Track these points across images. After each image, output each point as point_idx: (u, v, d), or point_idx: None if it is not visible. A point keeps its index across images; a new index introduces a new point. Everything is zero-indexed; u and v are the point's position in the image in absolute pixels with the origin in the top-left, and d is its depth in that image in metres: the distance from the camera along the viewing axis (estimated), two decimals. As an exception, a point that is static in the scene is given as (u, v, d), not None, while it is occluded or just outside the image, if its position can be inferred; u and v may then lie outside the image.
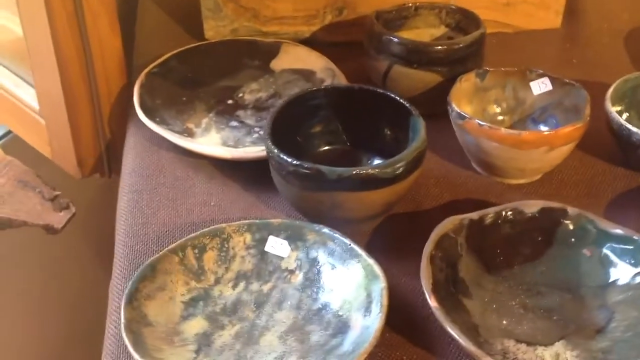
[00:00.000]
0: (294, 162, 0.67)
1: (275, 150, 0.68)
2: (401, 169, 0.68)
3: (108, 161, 1.00)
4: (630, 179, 0.82)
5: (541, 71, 0.85)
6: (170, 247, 0.66)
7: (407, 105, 0.75)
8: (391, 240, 0.74)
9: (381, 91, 0.77)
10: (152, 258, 0.65)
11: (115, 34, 0.90)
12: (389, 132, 0.78)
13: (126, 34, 0.99)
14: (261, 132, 0.87)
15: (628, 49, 1.08)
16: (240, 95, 0.93)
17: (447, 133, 0.82)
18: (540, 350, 0.61)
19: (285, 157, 0.68)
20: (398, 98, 0.76)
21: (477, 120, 0.76)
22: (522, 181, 0.81)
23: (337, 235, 0.66)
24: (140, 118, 0.84)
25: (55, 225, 1.05)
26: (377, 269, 0.63)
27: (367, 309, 0.61)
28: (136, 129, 0.89)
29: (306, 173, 0.67)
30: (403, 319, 0.65)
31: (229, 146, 0.84)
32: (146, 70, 0.91)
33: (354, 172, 0.66)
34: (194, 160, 0.84)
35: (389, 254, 0.72)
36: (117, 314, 0.66)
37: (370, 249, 0.72)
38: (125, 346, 0.63)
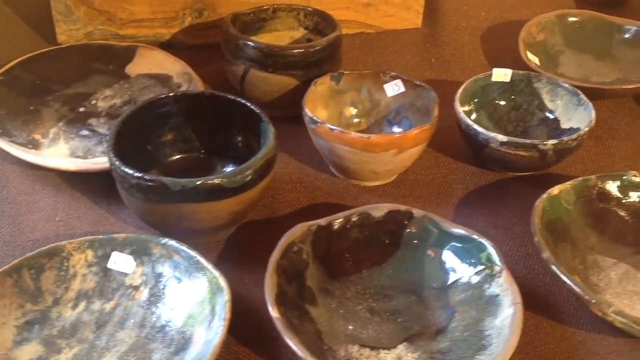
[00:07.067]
0: (136, 174, 0.65)
1: (117, 162, 0.66)
2: (249, 177, 0.67)
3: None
4: (480, 176, 0.85)
5: (394, 73, 0.86)
6: (3, 268, 0.62)
7: (257, 111, 0.74)
8: (245, 249, 0.74)
9: (232, 97, 0.76)
10: (-18, 282, 0.61)
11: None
12: (242, 139, 0.77)
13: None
14: (114, 141, 0.84)
15: (484, 47, 1.12)
16: (93, 102, 0.89)
17: (305, 137, 0.82)
18: (383, 354, 0.61)
19: (126, 170, 0.65)
20: (248, 104, 0.75)
21: (328, 125, 0.76)
22: (377, 183, 0.82)
23: (183, 247, 0.65)
24: (-20, 130, 0.79)
25: None
26: (222, 281, 0.62)
27: (210, 323, 0.60)
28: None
29: (149, 185, 0.65)
30: (253, 330, 0.65)
31: (77, 157, 0.80)
32: (-11, 79, 0.86)
33: (198, 183, 0.65)
34: (41, 173, 0.80)
35: (241, 263, 0.72)
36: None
37: (222, 259, 0.72)
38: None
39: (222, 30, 0.89)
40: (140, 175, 0.64)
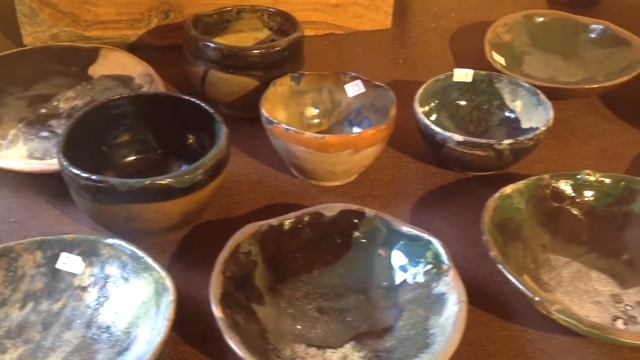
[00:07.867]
0: (83, 174, 0.65)
1: (65, 163, 0.66)
2: (199, 177, 0.67)
3: None
4: (440, 176, 0.85)
5: (354, 74, 0.86)
6: (-51, 270, 0.62)
7: (211, 111, 0.74)
8: (198, 249, 0.73)
9: (186, 97, 0.76)
10: None
11: None
12: (197, 139, 0.77)
13: None
14: (73, 142, 0.84)
15: (453, 48, 1.12)
16: (55, 103, 0.89)
17: (267, 138, 0.82)
18: (329, 353, 0.61)
19: (74, 170, 0.65)
20: (202, 104, 0.75)
21: (283, 125, 0.76)
22: (336, 183, 0.82)
23: (132, 248, 0.65)
24: None
25: None
26: (168, 281, 0.62)
27: (155, 323, 0.60)
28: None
29: (97, 186, 0.64)
30: (201, 330, 0.64)
31: (35, 158, 0.80)
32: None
33: (147, 183, 0.64)
34: (-2, 174, 0.80)
35: (193, 263, 0.71)
36: None
37: (175, 259, 0.72)
38: None
39: (183, 31, 0.89)
40: (87, 176, 0.64)
